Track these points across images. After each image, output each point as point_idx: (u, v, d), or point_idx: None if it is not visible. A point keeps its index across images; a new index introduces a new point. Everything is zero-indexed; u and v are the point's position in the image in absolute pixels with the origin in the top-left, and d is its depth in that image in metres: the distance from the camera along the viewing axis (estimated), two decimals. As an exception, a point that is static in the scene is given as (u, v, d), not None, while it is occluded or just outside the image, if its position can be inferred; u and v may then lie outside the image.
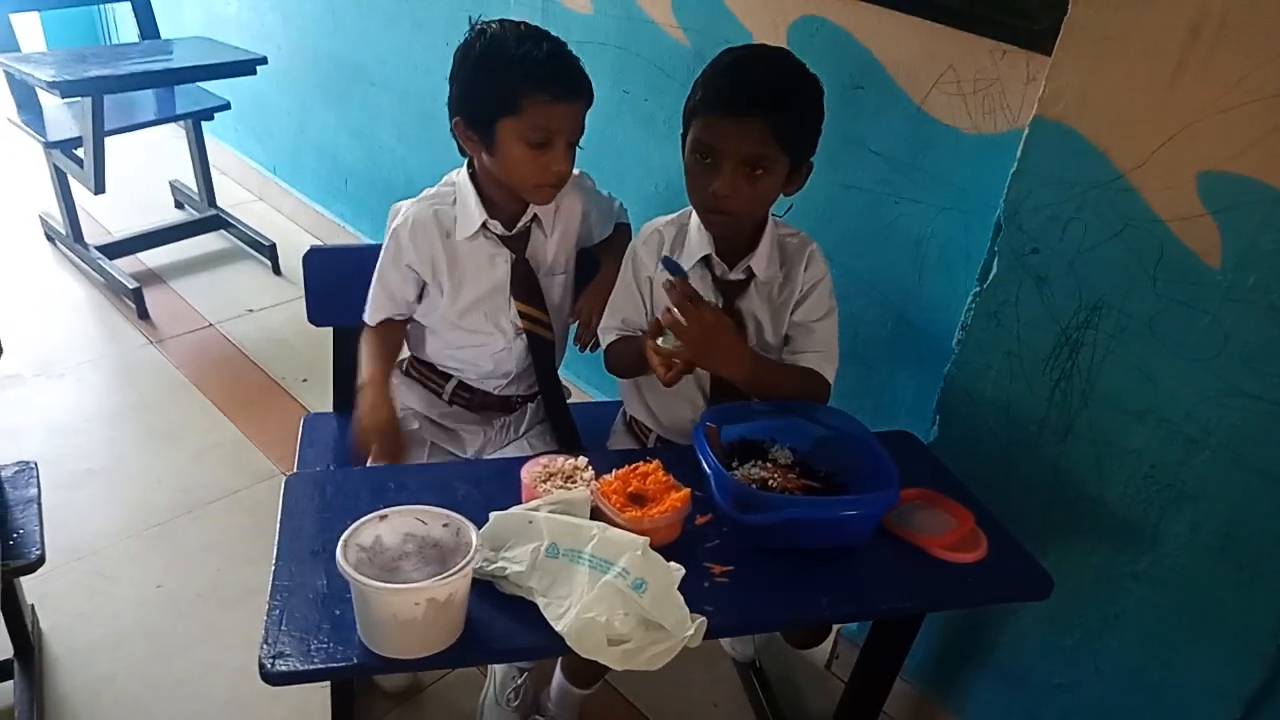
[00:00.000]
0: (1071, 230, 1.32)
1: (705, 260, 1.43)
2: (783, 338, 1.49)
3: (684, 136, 1.38)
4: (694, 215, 1.44)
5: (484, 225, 1.47)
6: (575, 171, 1.52)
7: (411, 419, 1.59)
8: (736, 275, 1.43)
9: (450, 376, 1.60)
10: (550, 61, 1.33)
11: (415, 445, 1.57)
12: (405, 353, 1.64)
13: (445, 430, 1.60)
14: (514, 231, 1.49)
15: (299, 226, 3.51)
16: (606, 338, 1.51)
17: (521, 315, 1.53)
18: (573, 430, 1.64)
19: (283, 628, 0.99)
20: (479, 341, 1.56)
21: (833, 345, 1.47)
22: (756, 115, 1.27)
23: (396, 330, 1.57)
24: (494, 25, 1.37)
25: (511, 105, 1.32)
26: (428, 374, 1.61)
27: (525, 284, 1.52)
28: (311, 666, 0.96)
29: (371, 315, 1.54)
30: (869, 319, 1.75)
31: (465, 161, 1.49)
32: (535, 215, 1.50)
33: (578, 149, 1.42)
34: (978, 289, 1.46)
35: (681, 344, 1.26)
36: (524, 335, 1.55)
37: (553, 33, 1.38)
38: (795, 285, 1.46)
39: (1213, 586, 1.32)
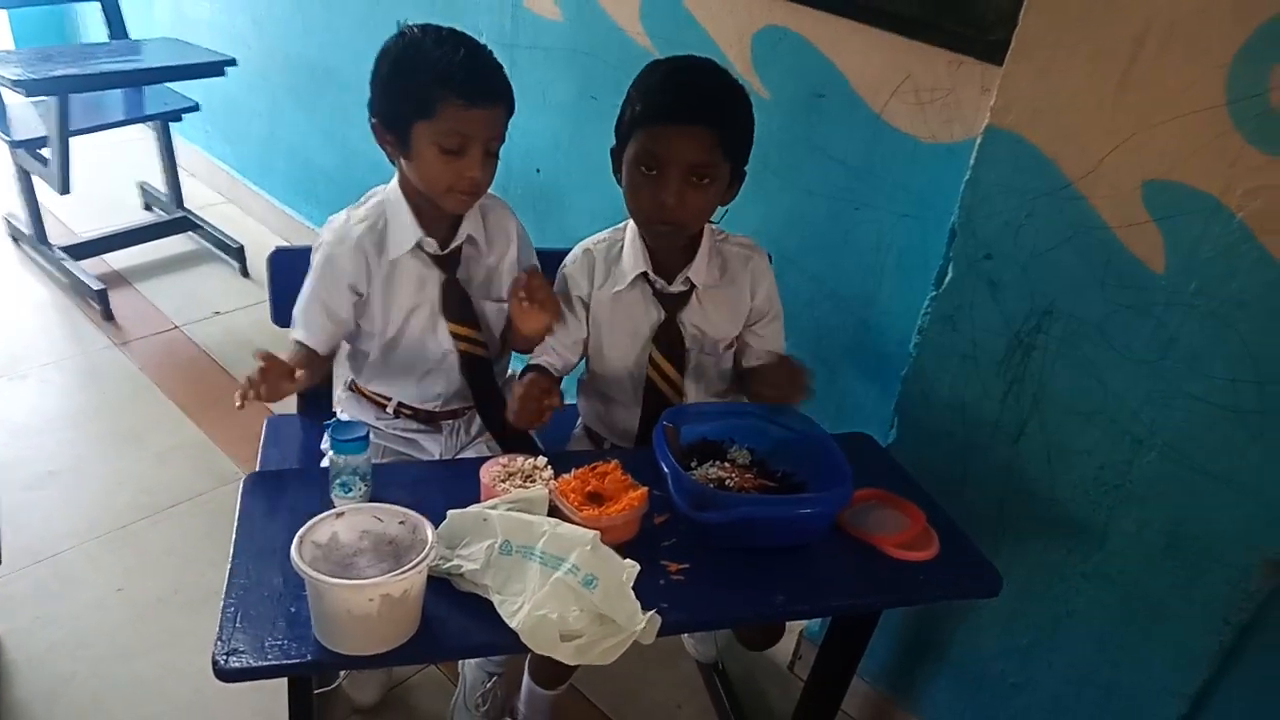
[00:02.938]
0: (1023, 236, 1.35)
1: (644, 276, 1.44)
2: (730, 342, 1.51)
3: (617, 154, 1.39)
4: (629, 232, 1.46)
5: (418, 244, 1.43)
6: (506, 206, 1.52)
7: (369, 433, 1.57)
8: (678, 287, 1.45)
9: (391, 396, 1.57)
10: (466, 65, 1.29)
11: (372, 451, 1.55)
12: (349, 373, 1.60)
13: (402, 439, 1.59)
14: (446, 251, 1.46)
15: (268, 229, 3.49)
16: (532, 358, 1.49)
17: (455, 336, 1.49)
18: (521, 441, 1.60)
19: (238, 625, 1.00)
20: (408, 362, 1.51)
21: (782, 347, 1.54)
22: (701, 124, 1.29)
23: (325, 361, 1.52)
24: (415, 29, 1.34)
25: (425, 108, 1.29)
26: (369, 392, 1.58)
27: (458, 304, 1.48)
28: (265, 663, 0.96)
29: (308, 337, 1.46)
30: (830, 324, 1.77)
31: (394, 175, 1.45)
32: (469, 235, 1.47)
33: (498, 158, 1.38)
34: (933, 293, 1.48)
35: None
36: (452, 357, 1.51)
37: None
38: (743, 294, 1.49)
39: (1159, 585, 1.36)
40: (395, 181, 1.45)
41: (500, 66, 1.36)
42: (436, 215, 1.43)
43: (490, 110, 1.33)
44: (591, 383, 1.59)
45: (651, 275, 1.44)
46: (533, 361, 1.49)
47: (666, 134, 1.30)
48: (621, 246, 1.46)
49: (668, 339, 1.47)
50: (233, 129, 3.56)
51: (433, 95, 1.29)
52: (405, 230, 1.42)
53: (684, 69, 1.36)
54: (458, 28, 1.38)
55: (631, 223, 1.46)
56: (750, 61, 1.74)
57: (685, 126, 1.29)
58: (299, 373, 1.31)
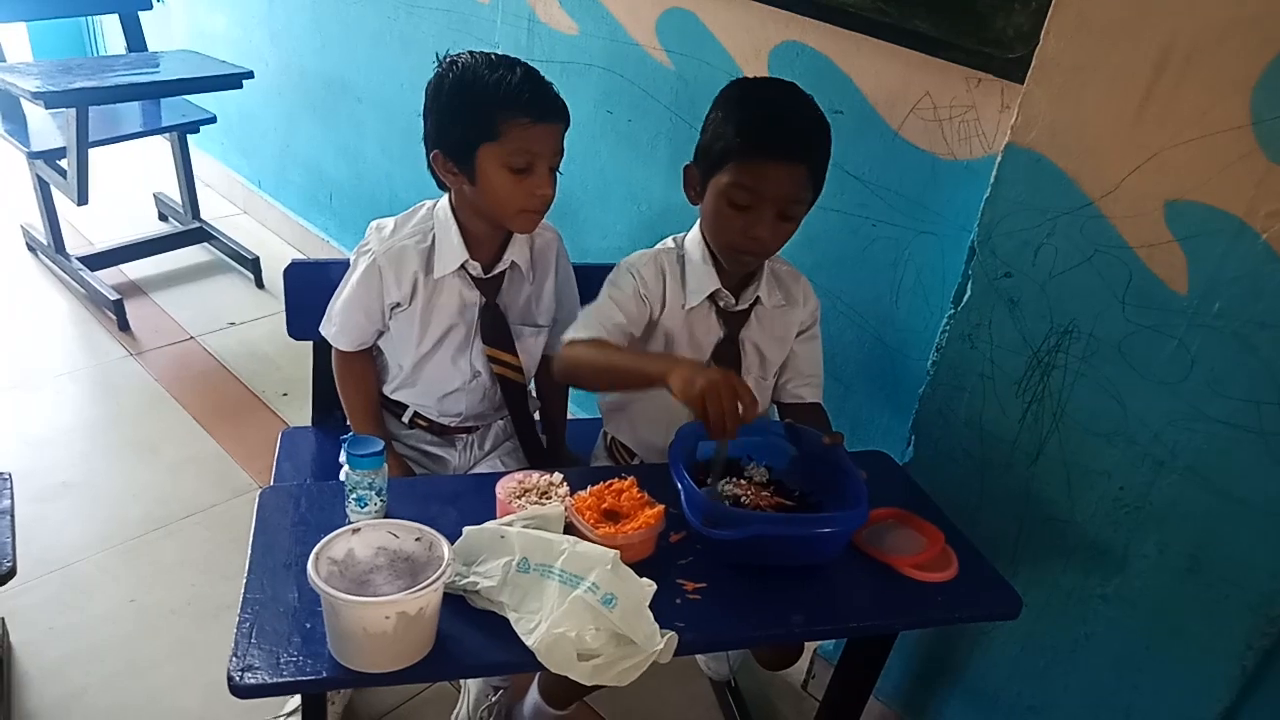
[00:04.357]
0: (1043, 255, 1.34)
1: (711, 294, 1.43)
2: (777, 367, 1.51)
3: (700, 176, 1.36)
4: (691, 247, 1.43)
5: (463, 265, 1.44)
6: (554, 232, 1.55)
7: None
8: (743, 306, 1.44)
9: (408, 405, 1.59)
10: (526, 84, 1.32)
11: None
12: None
13: (414, 450, 1.59)
14: (489, 275, 1.47)
15: (283, 240, 3.51)
16: (578, 334, 1.35)
17: (491, 360, 1.51)
18: (556, 457, 1.65)
19: (253, 640, 0.99)
20: (436, 378, 1.53)
21: (818, 369, 1.56)
22: (800, 162, 1.29)
23: (369, 355, 1.57)
24: (463, 56, 1.36)
25: (491, 131, 1.31)
26: (390, 399, 1.59)
27: (495, 329, 1.50)
28: (280, 679, 0.96)
29: (347, 341, 1.52)
30: (847, 340, 1.77)
31: (445, 194, 1.46)
32: (513, 262, 1.49)
33: (558, 174, 1.40)
34: (952, 311, 1.48)
35: None
36: (479, 380, 1.54)
37: (538, 52, 1.39)
38: (797, 313, 1.49)
39: (1180, 608, 1.34)
40: (445, 202, 1.46)
41: (552, 84, 1.37)
42: (485, 237, 1.45)
43: (553, 126, 1.35)
44: (645, 399, 1.52)
45: (723, 291, 1.43)
46: (592, 336, 1.34)
47: (765, 170, 1.28)
48: (688, 262, 1.43)
49: (728, 357, 1.46)
50: (249, 141, 3.59)
51: (498, 116, 1.30)
52: (452, 251, 1.43)
53: (780, 100, 1.34)
54: (474, 41, 1.39)
55: (691, 240, 1.44)
56: (767, 77, 1.74)
57: (788, 164, 1.28)
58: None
